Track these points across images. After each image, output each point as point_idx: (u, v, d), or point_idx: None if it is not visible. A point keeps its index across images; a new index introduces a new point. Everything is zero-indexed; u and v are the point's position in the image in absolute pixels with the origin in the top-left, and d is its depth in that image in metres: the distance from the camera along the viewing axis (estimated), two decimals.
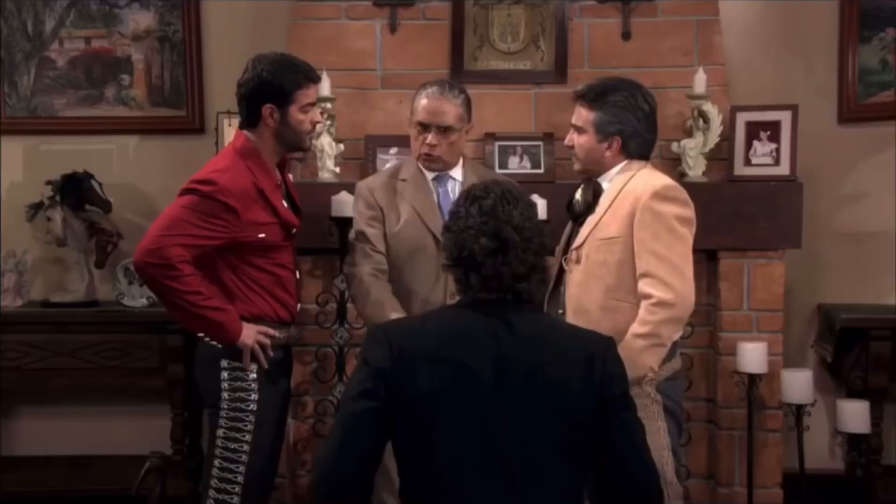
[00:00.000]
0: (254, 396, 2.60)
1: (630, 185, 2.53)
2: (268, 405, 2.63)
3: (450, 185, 2.85)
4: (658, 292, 2.42)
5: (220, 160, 2.65)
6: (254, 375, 2.60)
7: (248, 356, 2.58)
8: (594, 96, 2.58)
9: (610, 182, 2.58)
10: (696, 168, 3.41)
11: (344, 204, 3.18)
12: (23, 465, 3.95)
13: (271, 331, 2.62)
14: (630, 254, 2.47)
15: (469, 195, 1.89)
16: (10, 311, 3.85)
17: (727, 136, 3.51)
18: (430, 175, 2.86)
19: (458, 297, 1.93)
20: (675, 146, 3.46)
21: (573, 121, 2.63)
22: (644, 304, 2.44)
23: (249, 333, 2.57)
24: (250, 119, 2.63)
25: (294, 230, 2.69)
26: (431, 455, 1.78)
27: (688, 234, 2.50)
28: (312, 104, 2.66)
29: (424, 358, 1.79)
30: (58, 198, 3.83)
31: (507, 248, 1.82)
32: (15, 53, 4.00)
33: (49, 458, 3.96)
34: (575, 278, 2.56)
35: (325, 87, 3.30)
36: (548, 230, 2.94)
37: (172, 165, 3.97)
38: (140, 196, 4.05)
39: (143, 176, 4.06)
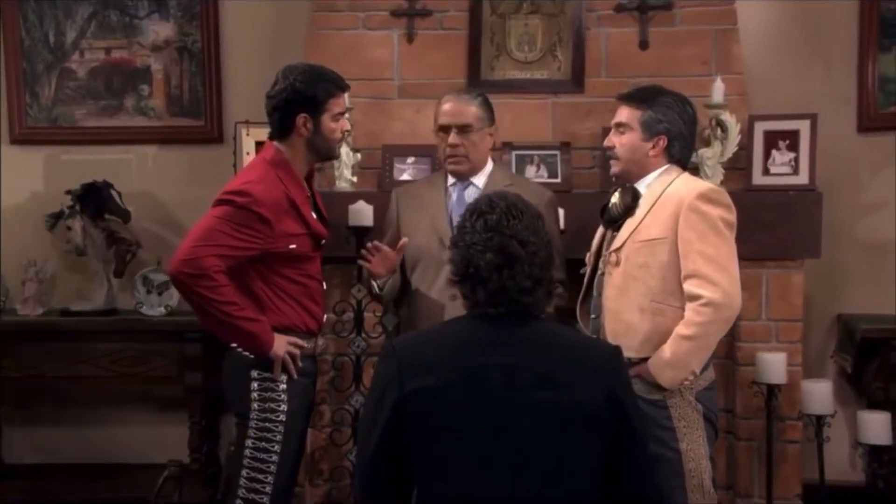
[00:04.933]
0: (283, 407, 2.61)
1: (672, 188, 2.53)
2: (295, 415, 2.64)
3: (469, 191, 2.83)
4: (707, 292, 2.40)
5: (252, 171, 2.66)
6: (283, 386, 2.61)
7: (278, 367, 2.58)
8: (643, 96, 2.59)
9: (648, 186, 2.57)
10: (713, 177, 3.40)
11: (361, 213, 3.19)
12: (43, 473, 3.97)
13: (301, 342, 2.63)
14: (675, 256, 2.46)
15: (475, 210, 1.90)
16: (30, 319, 3.88)
17: (745, 145, 3.49)
18: (449, 181, 2.87)
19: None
20: (693, 156, 3.44)
21: (617, 120, 2.62)
22: (691, 305, 2.43)
23: (281, 344, 2.58)
24: (282, 129, 2.64)
25: (322, 241, 2.71)
26: (444, 466, 1.78)
27: (732, 238, 2.50)
28: (342, 112, 2.69)
29: (434, 370, 1.79)
30: (77, 207, 3.85)
31: (512, 262, 1.83)
32: (37, 64, 4.03)
33: (68, 466, 3.98)
34: (613, 281, 2.55)
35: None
36: (565, 240, 3.00)
37: (191, 175, 4.01)
38: (159, 205, 4.08)
39: (162, 185, 4.09)
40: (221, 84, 4.05)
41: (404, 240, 2.76)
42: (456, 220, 2.75)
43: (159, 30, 4.04)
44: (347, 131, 2.79)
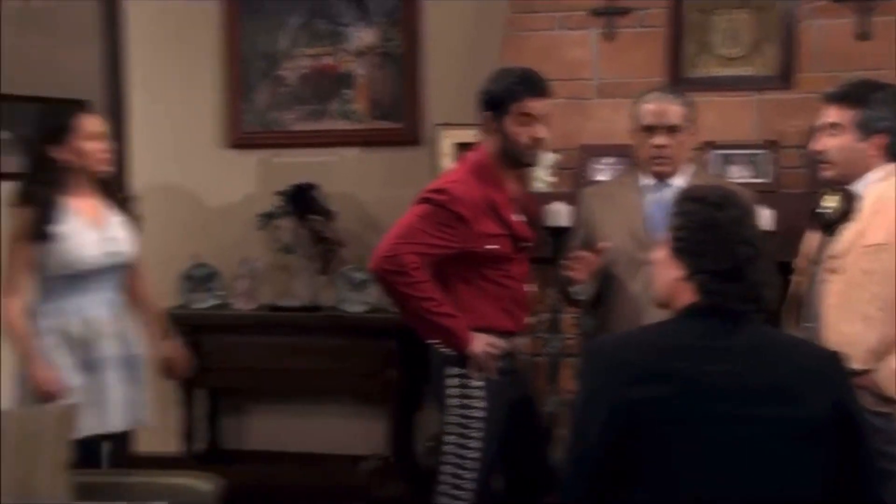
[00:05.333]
0: (481, 405, 2.64)
1: None
2: (494, 414, 2.66)
3: (666, 193, 2.71)
4: None
5: (456, 171, 2.73)
6: (480, 384, 2.64)
7: (474, 364, 2.62)
8: (855, 94, 2.43)
9: (868, 187, 2.41)
10: None
11: (558, 214, 3.17)
12: (256, 459, 4.20)
13: (499, 341, 2.65)
14: None
15: (711, 201, 1.81)
16: (242, 313, 4.12)
17: None
18: (643, 181, 2.80)
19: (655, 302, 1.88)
20: None
21: (826, 121, 2.47)
22: None
23: (479, 343, 2.61)
24: (486, 129, 2.69)
25: (525, 243, 2.71)
26: (662, 478, 1.71)
27: None
28: (529, 115, 2.65)
29: (654, 379, 1.73)
30: (290, 208, 4.03)
31: (758, 257, 1.76)
32: (253, 72, 4.28)
33: (277, 454, 4.19)
34: (835, 288, 2.41)
35: None
36: (774, 242, 2.85)
37: (390, 176, 4.13)
38: (360, 206, 4.22)
39: (363, 186, 4.22)
40: (420, 87, 4.14)
41: (606, 244, 2.71)
42: (654, 221, 2.69)
43: (363, 36, 4.18)
44: (540, 138, 2.67)
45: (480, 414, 2.63)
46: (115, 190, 3.02)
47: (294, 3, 4.19)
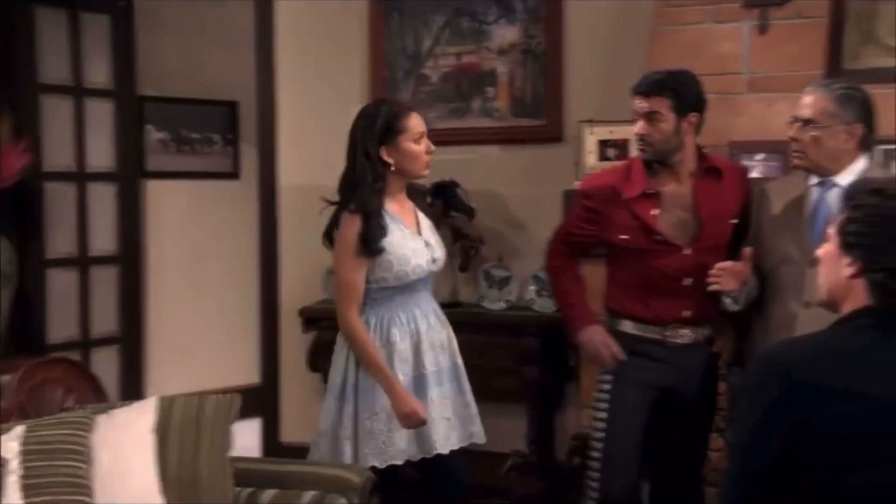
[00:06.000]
0: (605, 396, 2.80)
1: None
2: (623, 402, 2.76)
3: (831, 192, 2.59)
4: None
5: None
6: (607, 377, 2.81)
7: (584, 352, 2.91)
8: None
9: None
10: None
11: None
12: None
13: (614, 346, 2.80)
14: None
15: (892, 194, 1.72)
16: None
17: None
18: (812, 179, 2.67)
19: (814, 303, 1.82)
20: None
21: None
22: None
23: (593, 334, 2.82)
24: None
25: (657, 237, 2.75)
26: (843, 499, 1.61)
27: None
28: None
29: (834, 394, 1.62)
30: (438, 205, 4.04)
31: None
32: (397, 71, 4.35)
33: None
34: None
35: None
36: None
37: (531, 174, 4.11)
38: (500, 203, 4.22)
39: (504, 184, 4.22)
40: (563, 84, 4.11)
41: (748, 249, 2.62)
42: (817, 221, 2.57)
43: (506, 34, 4.18)
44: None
45: (604, 405, 2.78)
46: (422, 193, 2.94)
47: (438, 2, 4.24)
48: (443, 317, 2.81)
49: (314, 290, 4.26)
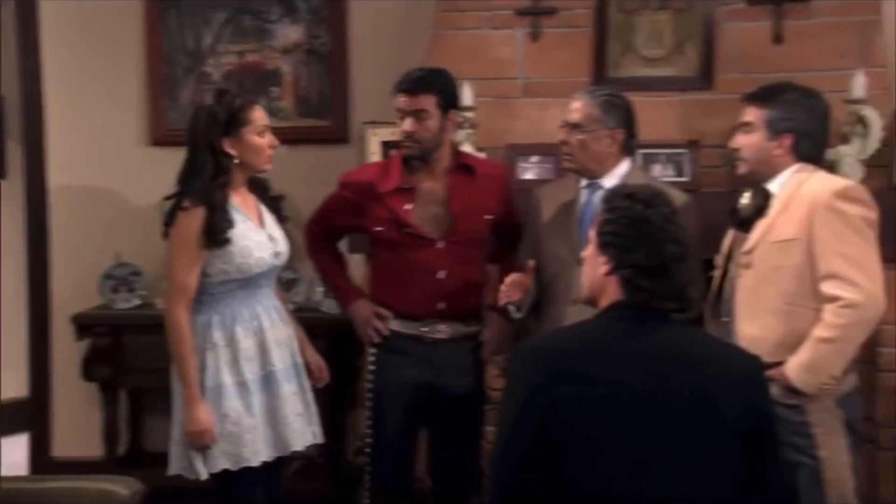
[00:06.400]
0: (372, 377, 2.93)
1: (806, 187, 2.44)
2: (386, 392, 2.88)
3: (598, 194, 2.73)
4: (846, 294, 2.31)
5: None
6: (373, 351, 2.94)
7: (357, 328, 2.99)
8: (767, 94, 2.52)
9: (781, 185, 2.49)
10: (853, 175, 3.24)
11: None
12: None
13: (384, 311, 2.88)
14: (809, 257, 2.38)
15: (641, 198, 1.84)
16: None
17: (889, 141, 3.32)
18: (581, 182, 2.82)
19: (580, 300, 1.92)
20: (830, 153, 3.30)
21: (742, 119, 2.55)
22: (830, 307, 2.34)
23: (361, 307, 2.94)
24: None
25: (407, 230, 2.82)
26: (591, 475, 1.73)
27: (873, 237, 2.40)
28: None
29: (583, 378, 1.75)
30: None
31: (686, 256, 1.80)
32: (176, 69, 4.21)
33: None
34: (746, 283, 2.48)
35: (466, 97, 3.33)
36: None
37: (318, 174, 4.08)
38: (287, 204, 4.15)
39: (290, 184, 4.17)
40: (348, 85, 4.13)
41: (531, 262, 2.74)
42: (584, 222, 2.72)
43: (289, 33, 4.15)
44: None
45: (370, 405, 2.89)
46: (263, 186, 2.79)
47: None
48: (284, 314, 2.76)
49: (89, 295, 4.06)
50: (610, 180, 2.73)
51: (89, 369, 3.95)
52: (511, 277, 2.72)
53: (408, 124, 2.78)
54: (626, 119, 2.77)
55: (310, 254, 3.11)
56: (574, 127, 2.73)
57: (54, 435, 4.04)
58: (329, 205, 3.05)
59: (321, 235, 3.07)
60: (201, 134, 2.58)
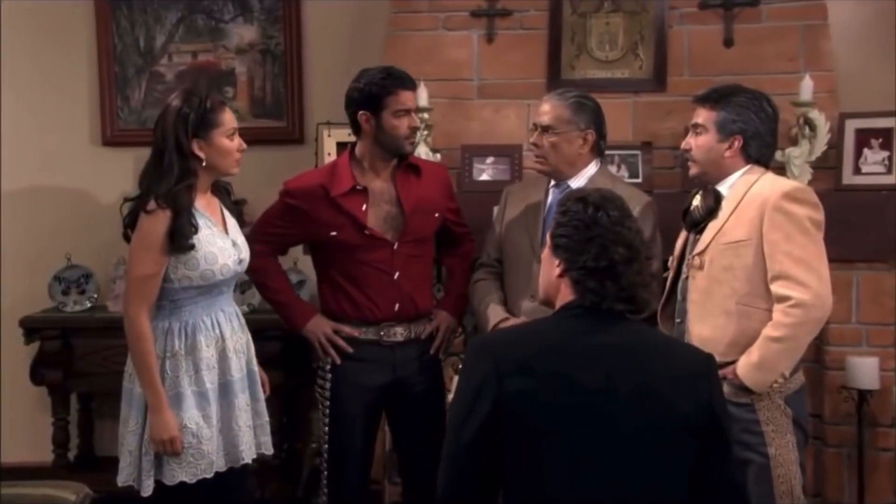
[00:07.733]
0: (327, 393, 2.87)
1: (755, 189, 2.48)
2: (345, 401, 2.83)
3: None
4: (795, 293, 2.35)
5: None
6: (328, 367, 2.86)
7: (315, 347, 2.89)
8: (717, 97, 2.55)
9: (731, 187, 2.53)
10: (801, 177, 3.31)
11: None
12: None
13: (344, 327, 2.81)
14: (760, 257, 2.42)
15: (592, 201, 1.87)
16: (117, 315, 3.95)
17: (835, 143, 3.39)
18: (551, 182, 2.84)
19: (537, 300, 1.94)
20: (779, 155, 3.35)
21: (693, 121, 2.59)
22: (779, 306, 2.37)
23: (317, 326, 2.84)
24: (353, 128, 2.83)
25: (366, 231, 2.78)
26: (536, 469, 1.75)
27: (820, 238, 2.44)
28: (407, 110, 2.76)
29: (532, 372, 1.77)
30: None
31: (636, 258, 1.83)
32: (128, 68, 4.16)
33: None
34: (698, 285, 2.51)
35: (422, 97, 3.34)
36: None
37: (274, 175, 4.04)
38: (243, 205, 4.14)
39: (245, 185, 4.09)
40: (303, 86, 4.11)
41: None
42: (549, 221, 2.73)
43: (243, 33, 4.13)
44: (415, 128, 2.82)
45: (327, 402, 2.82)
46: (227, 191, 2.71)
47: None
48: (242, 321, 2.68)
49: (38, 298, 4.00)
50: (577, 181, 2.77)
51: (38, 373, 3.88)
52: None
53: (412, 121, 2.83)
54: (597, 120, 2.80)
55: (256, 273, 2.86)
56: (545, 129, 2.75)
57: (2, 440, 3.96)
58: (273, 216, 2.91)
59: (269, 252, 2.89)
60: (169, 134, 2.48)
